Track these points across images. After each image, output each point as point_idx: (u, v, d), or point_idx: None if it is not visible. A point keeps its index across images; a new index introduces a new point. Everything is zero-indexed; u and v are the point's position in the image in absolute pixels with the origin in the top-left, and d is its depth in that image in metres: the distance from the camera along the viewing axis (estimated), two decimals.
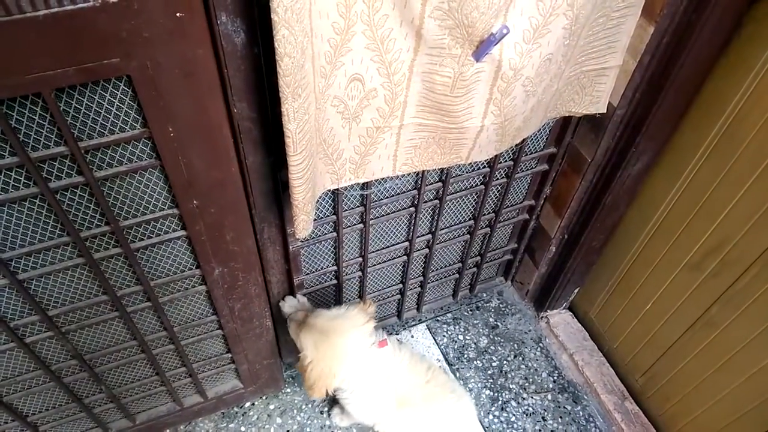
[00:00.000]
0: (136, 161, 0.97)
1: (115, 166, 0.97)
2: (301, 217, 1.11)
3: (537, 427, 1.79)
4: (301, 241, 1.41)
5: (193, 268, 1.24)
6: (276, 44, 0.80)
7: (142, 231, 1.11)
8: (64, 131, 0.87)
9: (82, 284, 1.15)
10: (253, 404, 1.80)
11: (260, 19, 0.87)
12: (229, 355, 1.57)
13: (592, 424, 1.81)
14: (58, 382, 1.32)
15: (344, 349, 1.39)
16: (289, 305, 1.55)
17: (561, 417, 1.82)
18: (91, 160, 0.94)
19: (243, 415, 1.78)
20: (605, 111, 1.36)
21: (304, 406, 1.80)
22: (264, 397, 1.82)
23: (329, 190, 1.26)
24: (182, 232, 1.14)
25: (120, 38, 0.77)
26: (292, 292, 1.55)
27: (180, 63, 0.84)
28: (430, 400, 1.52)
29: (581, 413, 1.84)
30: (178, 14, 0.78)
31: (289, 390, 1.84)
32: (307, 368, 1.37)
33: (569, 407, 1.85)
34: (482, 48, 0.98)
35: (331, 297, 1.70)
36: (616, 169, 1.48)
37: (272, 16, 0.77)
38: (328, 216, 1.40)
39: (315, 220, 1.30)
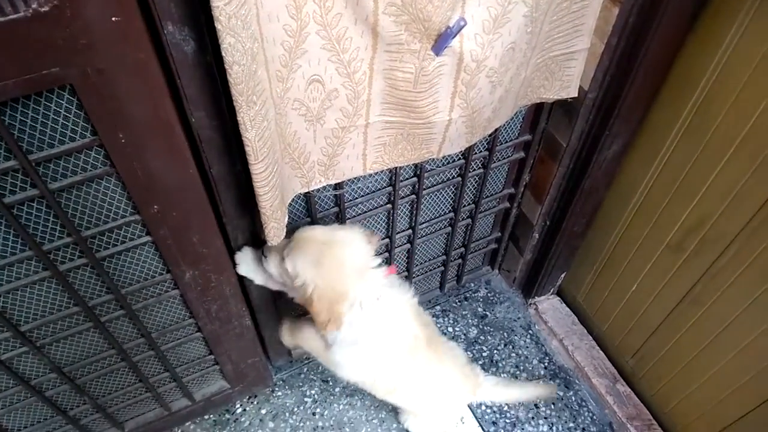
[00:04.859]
0: (90, 170, 0.96)
1: (70, 176, 0.95)
2: (271, 225, 1.09)
3: (530, 415, 1.79)
4: None
5: (164, 272, 1.22)
6: (223, 53, 0.78)
7: (105, 240, 1.09)
8: (11, 145, 0.85)
9: (51, 297, 1.13)
10: (244, 410, 1.79)
11: (208, 26, 0.85)
12: (212, 357, 1.56)
13: (585, 409, 1.81)
14: (40, 396, 1.31)
15: (351, 261, 1.17)
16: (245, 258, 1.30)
17: (553, 403, 1.82)
18: (44, 172, 0.92)
19: (235, 421, 1.77)
20: (577, 95, 1.34)
21: (296, 409, 1.79)
22: (255, 402, 1.81)
23: (301, 194, 1.24)
24: (147, 238, 1.12)
25: (57, 47, 0.76)
26: (273, 300, 1.52)
27: (123, 68, 0.82)
28: (438, 351, 1.39)
29: (573, 398, 1.83)
30: (114, 18, 0.76)
31: (280, 393, 1.83)
32: (313, 296, 1.14)
33: (561, 393, 1.84)
34: (440, 41, 0.96)
35: None
36: (592, 153, 1.46)
37: (216, 25, 0.75)
38: (302, 219, 1.38)
39: (289, 223, 1.28)
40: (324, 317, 1.14)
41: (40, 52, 0.76)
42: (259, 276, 1.32)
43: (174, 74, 0.89)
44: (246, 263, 1.30)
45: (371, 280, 1.21)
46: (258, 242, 1.31)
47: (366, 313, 1.21)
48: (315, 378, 1.86)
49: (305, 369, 1.88)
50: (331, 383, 1.85)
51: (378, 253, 1.39)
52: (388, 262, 1.70)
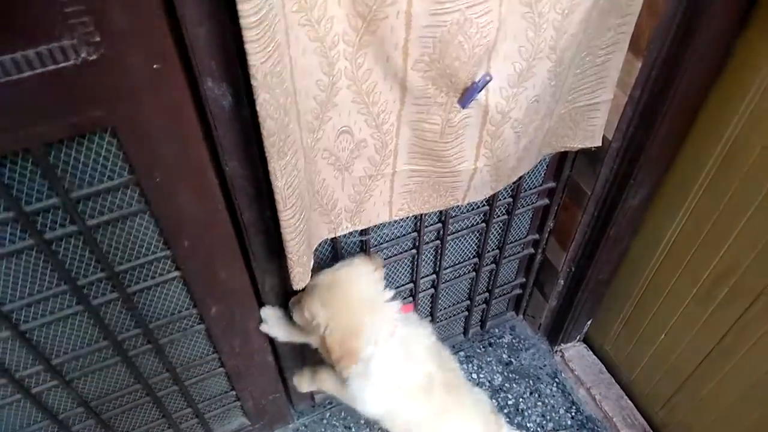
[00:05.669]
0: (126, 207, 1.00)
1: (107, 213, 0.99)
2: (296, 270, 1.11)
3: None
4: None
5: (191, 307, 1.26)
6: (258, 108, 0.82)
7: (137, 275, 1.13)
8: (54, 183, 0.89)
9: (82, 331, 1.17)
10: None
11: (245, 82, 0.89)
12: (234, 393, 1.57)
13: None
14: (66, 431, 1.33)
15: (358, 296, 1.21)
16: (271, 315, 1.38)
17: None
18: (83, 209, 0.97)
19: None
20: (600, 144, 1.36)
21: None
22: None
23: (328, 239, 1.26)
24: (176, 273, 1.16)
25: (102, 92, 0.81)
26: None
27: (161, 112, 0.88)
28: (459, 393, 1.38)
29: None
30: (155, 66, 0.82)
31: None
32: (326, 337, 1.17)
33: None
34: (467, 96, 0.99)
35: None
36: (616, 201, 1.46)
37: (252, 82, 0.79)
38: (329, 264, 1.40)
39: (315, 269, 1.30)
40: (337, 353, 1.17)
41: (87, 97, 0.81)
42: (282, 332, 1.38)
43: (211, 126, 0.93)
44: (270, 323, 1.37)
45: (385, 314, 1.23)
46: (285, 285, 1.33)
47: (381, 349, 1.23)
48: (337, 424, 1.84)
49: (327, 414, 1.87)
50: (353, 430, 1.83)
51: (402, 297, 1.40)
52: (410, 302, 1.71)
